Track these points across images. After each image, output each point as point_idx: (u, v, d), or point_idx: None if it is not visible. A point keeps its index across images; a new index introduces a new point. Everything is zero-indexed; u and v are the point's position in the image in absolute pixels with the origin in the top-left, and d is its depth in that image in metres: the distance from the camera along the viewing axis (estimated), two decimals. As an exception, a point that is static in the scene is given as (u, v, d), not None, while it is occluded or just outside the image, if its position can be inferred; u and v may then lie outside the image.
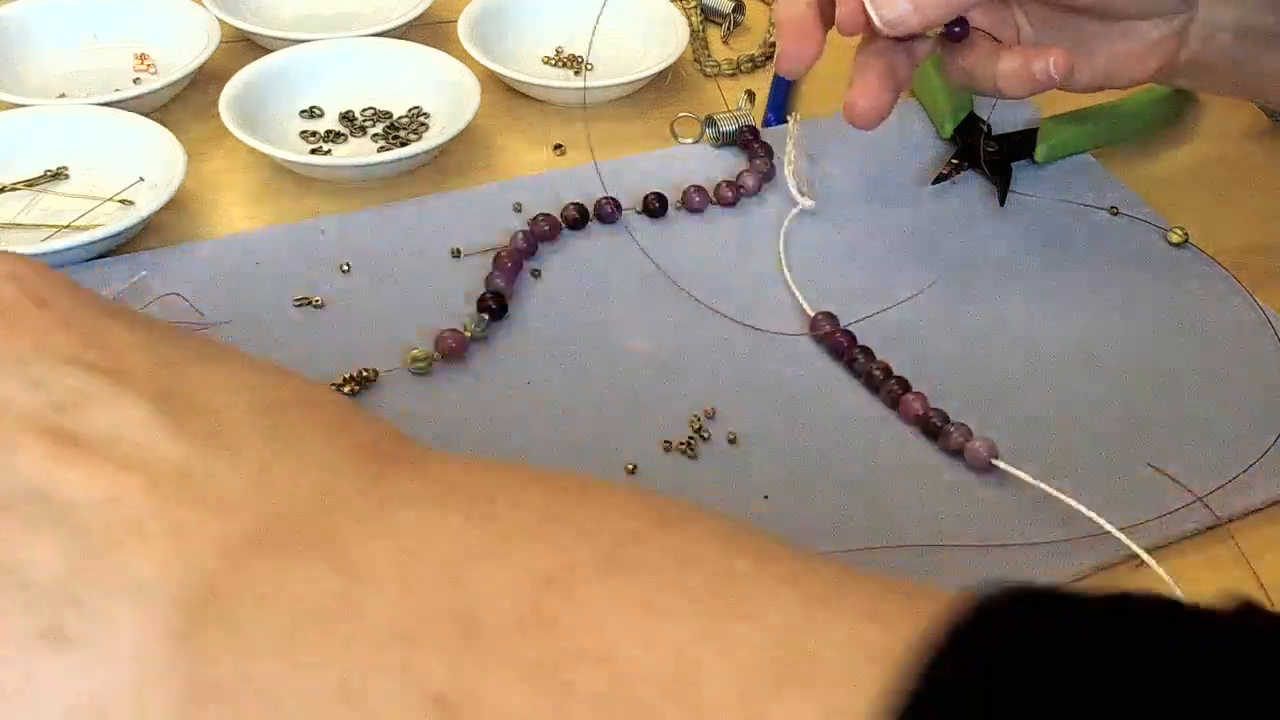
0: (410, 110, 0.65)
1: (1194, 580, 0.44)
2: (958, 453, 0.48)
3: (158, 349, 0.30)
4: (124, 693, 0.25)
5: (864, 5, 0.50)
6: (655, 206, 0.59)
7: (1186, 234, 0.59)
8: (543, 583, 0.24)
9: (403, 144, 0.63)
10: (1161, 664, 0.20)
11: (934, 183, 0.62)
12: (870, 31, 0.52)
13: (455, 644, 0.23)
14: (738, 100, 0.67)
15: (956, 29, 0.53)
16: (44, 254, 0.53)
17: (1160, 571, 0.44)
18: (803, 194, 0.59)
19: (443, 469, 0.28)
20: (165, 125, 0.59)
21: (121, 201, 0.58)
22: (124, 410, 0.28)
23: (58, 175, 0.59)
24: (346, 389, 0.49)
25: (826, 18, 0.53)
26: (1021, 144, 0.63)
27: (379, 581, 0.24)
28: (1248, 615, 0.21)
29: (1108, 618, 0.21)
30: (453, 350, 0.51)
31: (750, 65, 0.72)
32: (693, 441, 0.48)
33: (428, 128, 0.64)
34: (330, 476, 0.27)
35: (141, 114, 0.60)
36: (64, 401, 0.28)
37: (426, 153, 0.61)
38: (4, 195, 0.58)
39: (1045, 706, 0.19)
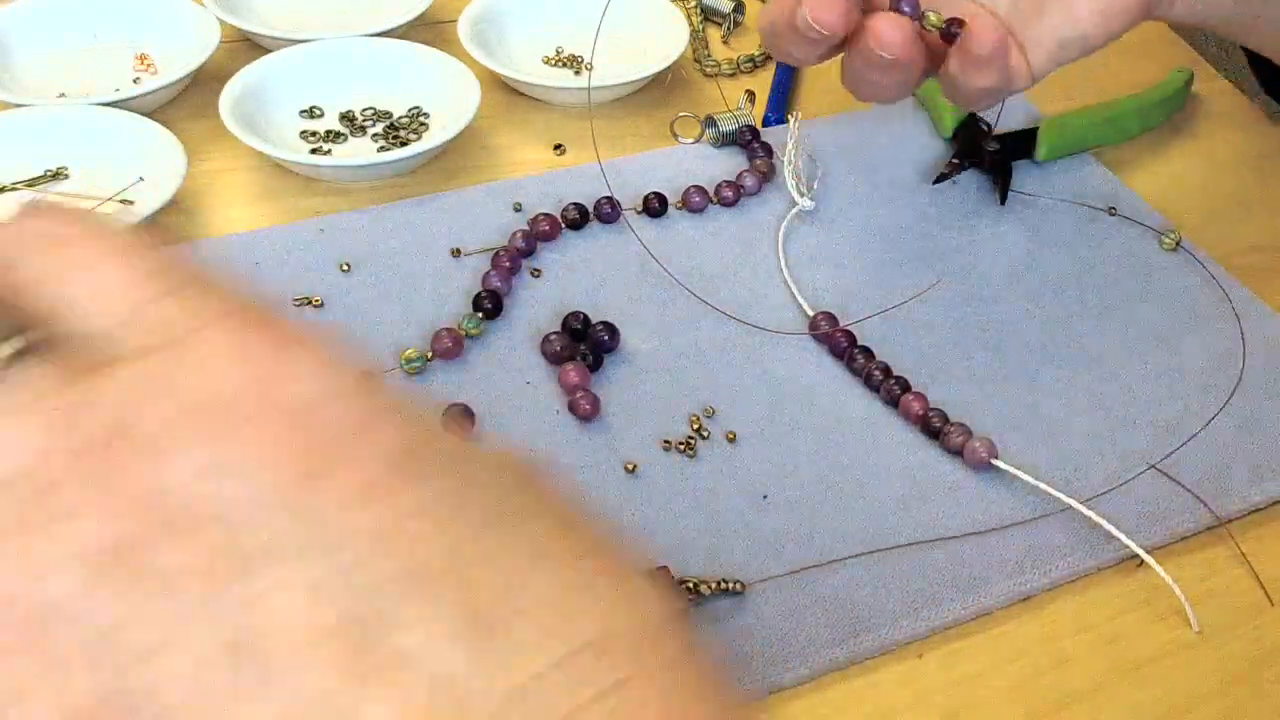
0: (410, 110, 0.65)
1: (1194, 580, 0.44)
2: (958, 452, 0.48)
3: (452, 528, 0.26)
4: None
5: None
6: (655, 206, 0.59)
7: (1178, 239, 0.59)
8: None
9: (403, 144, 0.63)
10: None
11: (935, 182, 0.62)
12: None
13: None
14: (738, 100, 0.67)
15: (954, 30, 0.52)
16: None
17: (1160, 571, 0.44)
18: (802, 194, 0.59)
19: None
20: (165, 125, 0.59)
21: (121, 201, 0.58)
22: (425, 638, 0.26)
23: (58, 175, 0.59)
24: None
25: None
26: (1022, 143, 0.63)
27: None
28: None
29: None
30: (449, 350, 0.51)
31: (750, 65, 0.72)
32: (692, 441, 0.48)
33: (428, 128, 0.64)
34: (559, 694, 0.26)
35: (141, 114, 0.60)
36: (364, 615, 0.23)
37: (426, 153, 0.61)
38: (4, 195, 0.58)
39: None
